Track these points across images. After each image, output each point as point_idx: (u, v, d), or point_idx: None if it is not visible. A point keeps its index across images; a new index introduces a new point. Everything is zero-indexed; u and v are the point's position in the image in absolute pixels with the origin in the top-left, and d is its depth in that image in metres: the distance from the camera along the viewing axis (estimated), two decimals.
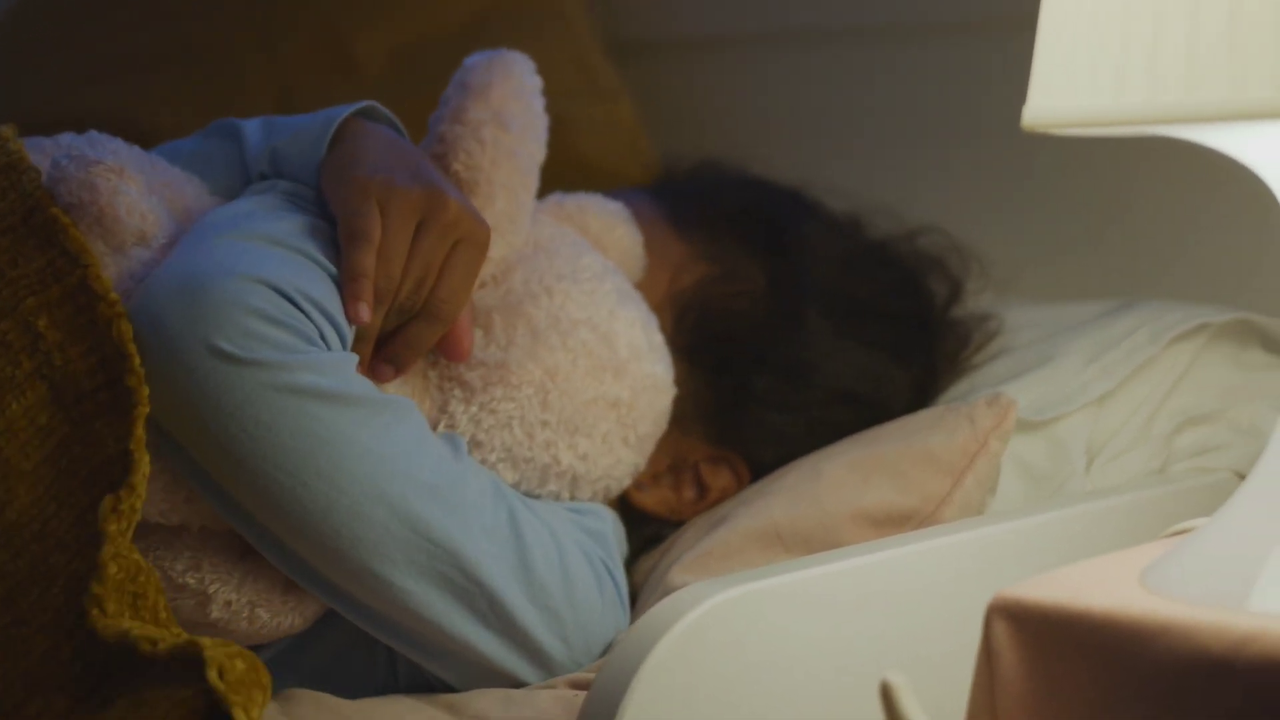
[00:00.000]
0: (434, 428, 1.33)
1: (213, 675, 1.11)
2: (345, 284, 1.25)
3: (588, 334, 1.37)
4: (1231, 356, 1.53)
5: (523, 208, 1.38)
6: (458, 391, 1.34)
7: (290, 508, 1.22)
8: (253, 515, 1.23)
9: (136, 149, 1.35)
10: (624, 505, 1.49)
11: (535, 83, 1.40)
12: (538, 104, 1.40)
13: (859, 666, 1.20)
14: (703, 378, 1.51)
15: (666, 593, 1.29)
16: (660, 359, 1.43)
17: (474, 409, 1.34)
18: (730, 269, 1.54)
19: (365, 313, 1.24)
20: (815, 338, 1.53)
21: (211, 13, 2.08)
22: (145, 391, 1.18)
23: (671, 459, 1.50)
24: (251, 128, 1.39)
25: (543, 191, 2.02)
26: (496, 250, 1.36)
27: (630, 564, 1.47)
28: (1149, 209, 1.81)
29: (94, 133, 1.35)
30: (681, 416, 1.48)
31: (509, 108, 1.37)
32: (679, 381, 1.48)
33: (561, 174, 1.99)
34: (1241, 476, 1.44)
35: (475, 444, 1.34)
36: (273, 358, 1.19)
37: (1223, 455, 1.47)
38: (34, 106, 2.07)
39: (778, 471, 1.47)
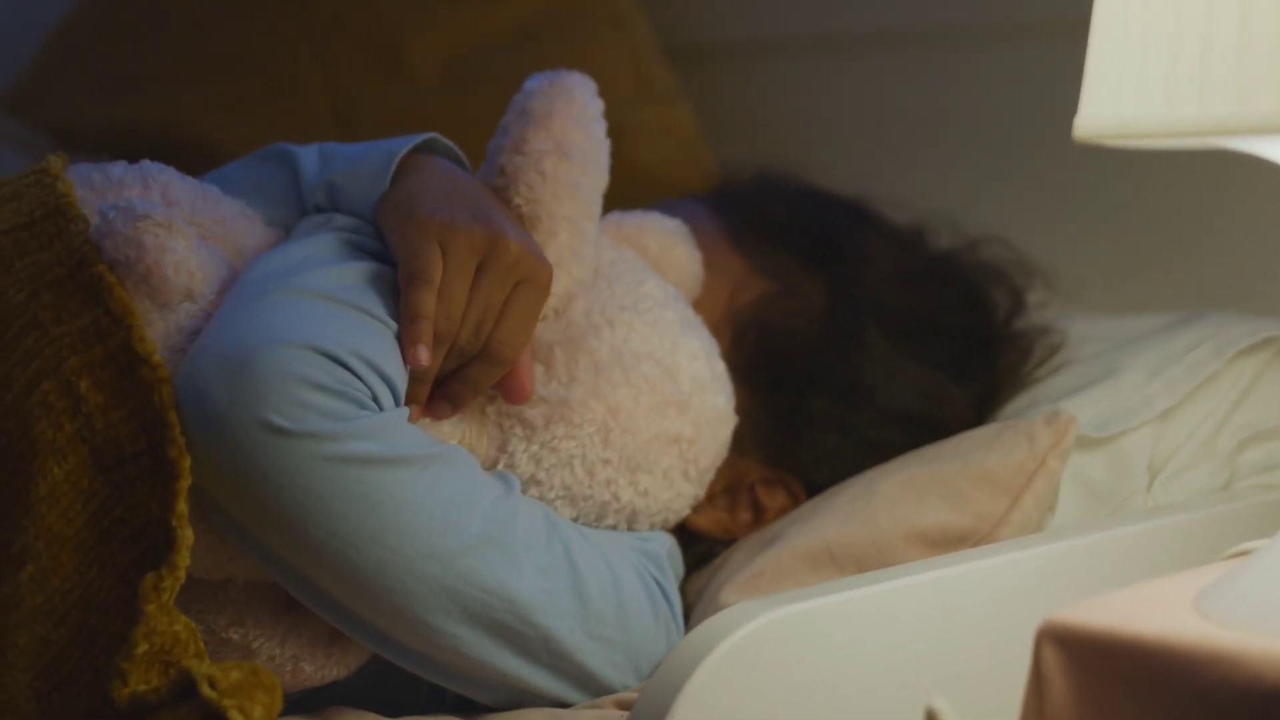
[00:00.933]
0: (492, 466, 1.32)
1: (204, 688, 1.12)
2: (405, 326, 1.23)
3: (651, 368, 1.35)
4: None
5: (586, 239, 1.35)
6: (518, 429, 1.32)
7: (343, 569, 1.20)
8: (302, 573, 1.22)
9: (190, 181, 1.33)
10: (678, 525, 1.47)
11: (597, 107, 1.37)
12: (599, 130, 1.36)
13: (908, 688, 1.18)
14: (760, 399, 1.49)
15: (717, 612, 1.27)
16: (722, 389, 1.40)
17: (535, 447, 1.32)
18: (789, 286, 1.53)
19: (425, 356, 1.23)
20: (874, 358, 1.51)
21: (263, 21, 2.08)
22: (186, 463, 1.17)
23: (728, 480, 1.48)
24: (307, 156, 1.37)
25: (603, 201, 2.02)
26: (559, 284, 1.33)
27: (683, 582, 1.45)
28: (1214, 221, 1.78)
29: (147, 163, 1.34)
30: (738, 438, 1.46)
31: (571, 136, 1.34)
32: (738, 401, 1.45)
33: (619, 181, 1.97)
34: None
35: (534, 482, 1.32)
36: (323, 428, 1.18)
37: None
38: (87, 116, 2.07)
39: (832, 489, 1.45)
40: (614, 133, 1.99)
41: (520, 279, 1.27)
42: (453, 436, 1.30)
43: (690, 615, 1.40)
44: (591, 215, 1.35)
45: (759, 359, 1.49)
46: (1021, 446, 1.37)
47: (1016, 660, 1.09)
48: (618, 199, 1.92)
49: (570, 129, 1.34)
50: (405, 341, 1.23)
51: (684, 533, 1.46)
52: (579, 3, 2.07)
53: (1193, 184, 1.77)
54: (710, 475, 1.40)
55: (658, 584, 1.34)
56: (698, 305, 1.47)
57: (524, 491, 1.31)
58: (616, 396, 1.33)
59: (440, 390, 1.28)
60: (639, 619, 1.30)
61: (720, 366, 1.41)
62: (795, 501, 1.50)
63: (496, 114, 1.99)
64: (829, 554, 1.35)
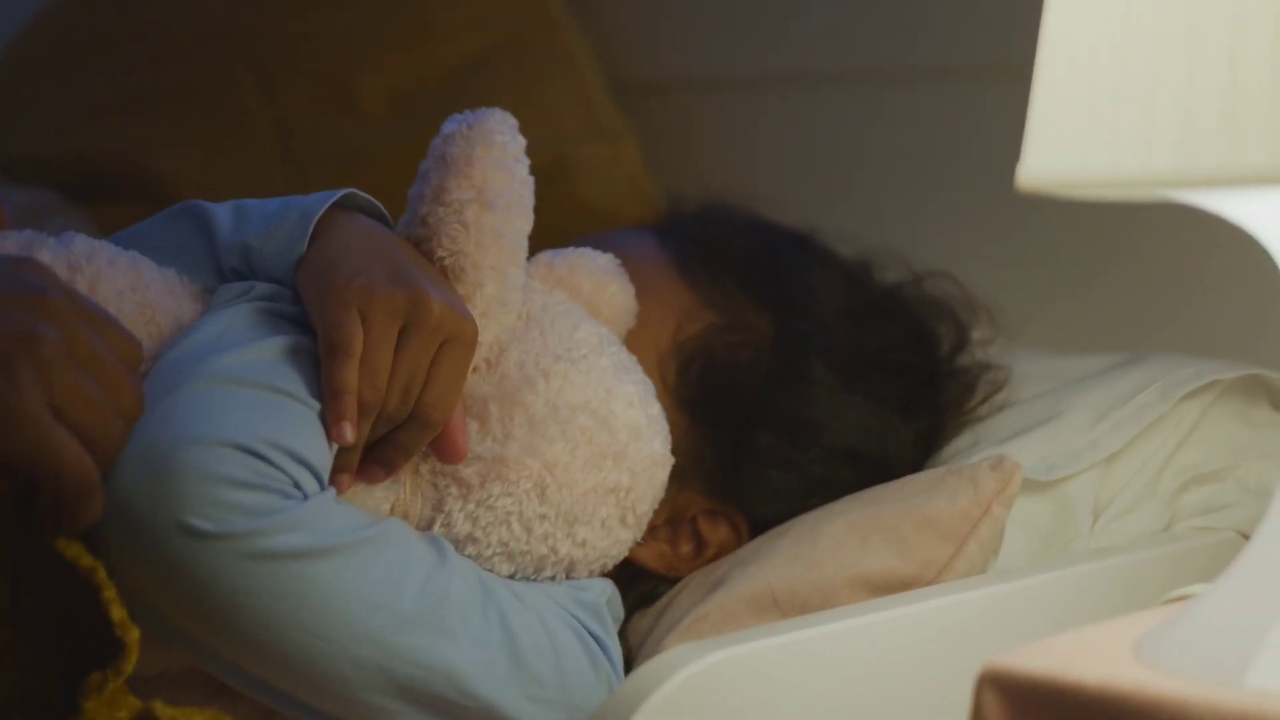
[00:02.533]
0: (428, 526, 1.30)
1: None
2: (328, 401, 1.21)
3: (587, 420, 1.33)
4: (1240, 413, 1.50)
5: (513, 287, 1.31)
6: (454, 489, 1.30)
7: (277, 659, 1.19)
8: (237, 665, 1.21)
9: (108, 248, 1.31)
10: (620, 562, 1.46)
11: (518, 145, 1.32)
12: (522, 170, 1.32)
13: None
14: (703, 432, 1.49)
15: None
16: (659, 432, 1.38)
17: (471, 506, 1.30)
18: (736, 319, 1.52)
19: (349, 433, 1.21)
20: (820, 393, 1.50)
21: (212, 53, 2.08)
22: (101, 574, 1.15)
23: (669, 513, 1.48)
24: (222, 215, 1.34)
25: (544, 234, 2.02)
26: (488, 334, 1.31)
27: (625, 623, 1.44)
28: (1155, 259, 1.79)
29: (69, 233, 1.31)
30: (680, 471, 1.45)
31: (492, 182, 1.30)
32: (679, 434, 1.45)
33: (564, 216, 1.98)
34: (1246, 537, 1.42)
35: (471, 540, 1.30)
36: (245, 527, 1.15)
37: (1229, 515, 1.45)
38: (33, 146, 2.07)
39: (776, 529, 1.44)
40: (560, 168, 2.00)
41: (445, 338, 1.25)
42: (386, 500, 1.28)
43: (632, 660, 1.40)
44: (517, 261, 1.32)
45: (703, 391, 1.49)
46: (966, 492, 1.37)
47: (959, 702, 1.10)
48: (564, 234, 1.92)
49: (491, 174, 1.30)
50: (329, 418, 1.21)
51: (626, 568, 1.46)
52: (527, 38, 2.07)
53: (1133, 224, 1.78)
54: (648, 518, 1.39)
55: (595, 638, 1.32)
56: (642, 336, 1.46)
57: (460, 550, 1.29)
58: (553, 451, 1.31)
59: (371, 455, 1.26)
60: (579, 677, 1.28)
61: (656, 409, 1.39)
62: (738, 534, 1.49)
63: None
64: (773, 599, 1.35)
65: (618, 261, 1.44)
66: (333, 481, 1.23)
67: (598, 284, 1.43)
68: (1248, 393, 1.51)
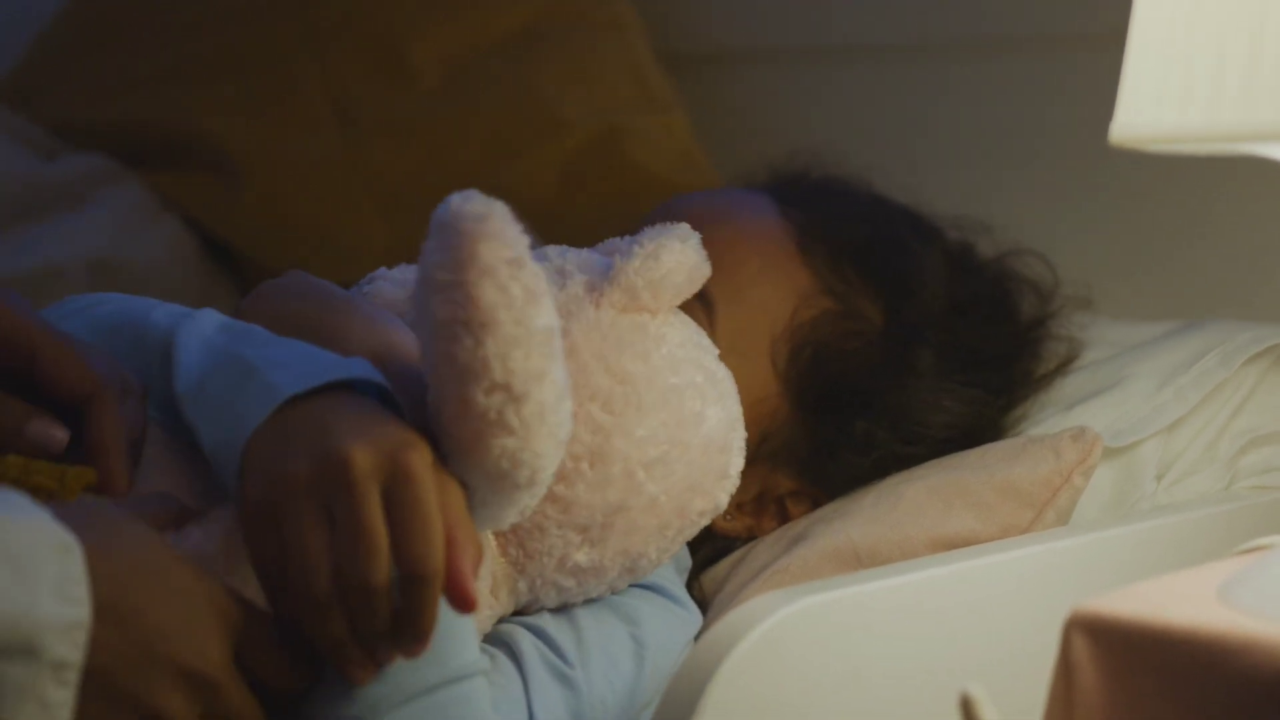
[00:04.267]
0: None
1: None
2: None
3: (683, 496, 1.28)
4: None
5: (553, 391, 1.11)
6: (551, 592, 1.28)
7: None
8: None
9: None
10: (704, 529, 1.49)
11: (516, 250, 1.08)
12: (522, 281, 1.08)
13: (930, 680, 1.20)
14: (803, 418, 1.49)
15: None
16: (740, 451, 1.33)
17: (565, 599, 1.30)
18: (850, 307, 1.51)
19: (361, 675, 1.11)
20: (923, 386, 1.50)
21: (263, 20, 2.08)
22: None
23: (758, 490, 1.49)
24: (187, 348, 1.20)
25: (598, 202, 2.03)
26: (542, 445, 1.12)
27: (700, 572, 1.47)
28: (1215, 227, 1.81)
29: None
30: (775, 452, 1.47)
31: (492, 309, 1.08)
32: (781, 419, 1.47)
33: (616, 185, 2.00)
34: None
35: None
36: None
37: None
38: (85, 112, 2.08)
39: (858, 491, 1.47)
40: (612, 137, 2.02)
41: (386, 483, 1.09)
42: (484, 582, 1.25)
43: (709, 609, 1.42)
44: (546, 356, 1.11)
45: (811, 378, 1.48)
46: (1048, 461, 1.39)
47: (1037, 649, 1.12)
48: (616, 204, 1.95)
49: (486, 293, 1.08)
50: (338, 664, 1.11)
51: (706, 530, 1.48)
52: (578, 8, 2.08)
53: (1192, 190, 1.80)
54: None
55: (671, 597, 1.34)
56: (759, 317, 1.47)
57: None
58: (646, 539, 1.28)
59: (404, 630, 1.10)
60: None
61: (739, 432, 1.32)
62: None
63: (495, 117, 2.02)
64: (855, 554, 1.37)
65: (697, 254, 1.29)
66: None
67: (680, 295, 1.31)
68: None
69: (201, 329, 1.21)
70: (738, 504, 1.49)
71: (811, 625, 1.16)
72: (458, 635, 1.16)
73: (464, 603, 1.09)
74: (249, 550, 1.10)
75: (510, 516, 1.17)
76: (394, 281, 1.34)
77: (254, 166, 2.01)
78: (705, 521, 1.31)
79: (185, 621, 1.08)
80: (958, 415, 1.50)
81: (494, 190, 2.01)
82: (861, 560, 1.36)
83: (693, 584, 1.45)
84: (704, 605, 1.43)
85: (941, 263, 1.56)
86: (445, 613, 1.12)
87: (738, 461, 1.31)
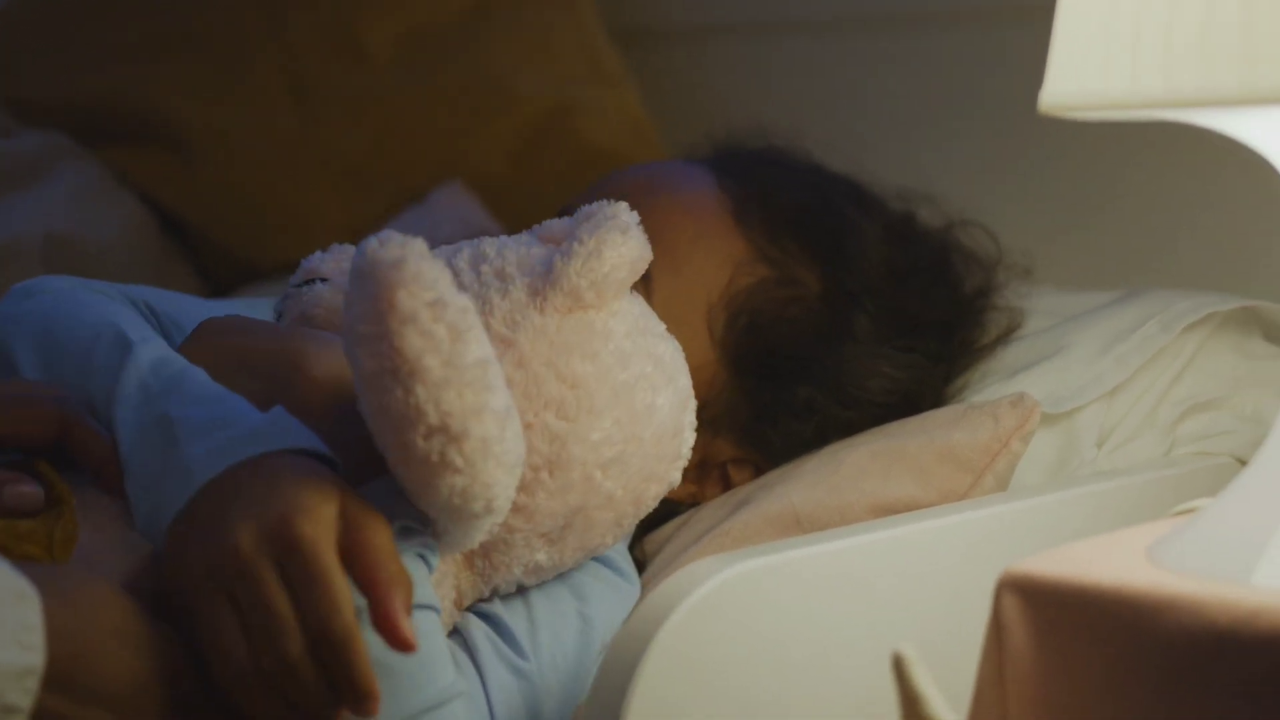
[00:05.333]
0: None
1: None
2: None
3: (641, 485, 1.29)
4: (1236, 345, 1.54)
5: (500, 422, 1.11)
6: (511, 588, 1.29)
7: None
8: None
9: None
10: None
11: (437, 291, 1.08)
12: (446, 321, 1.08)
13: (869, 642, 1.22)
14: (743, 385, 1.50)
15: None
16: (689, 444, 1.33)
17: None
18: (787, 274, 1.52)
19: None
20: (862, 351, 1.52)
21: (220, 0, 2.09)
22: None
23: (700, 458, 1.51)
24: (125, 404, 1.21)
25: (548, 175, 2.05)
26: (491, 474, 1.12)
27: (643, 535, 1.48)
28: (1151, 194, 1.83)
29: None
30: (716, 419, 1.49)
31: (419, 356, 1.09)
32: (719, 386, 1.49)
33: (567, 158, 2.01)
34: (1243, 462, 1.46)
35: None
36: None
37: (1225, 441, 1.49)
38: (44, 89, 2.08)
39: (801, 458, 1.48)
40: (563, 110, 2.03)
41: (278, 558, 1.10)
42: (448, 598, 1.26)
43: (647, 570, 1.44)
44: (484, 388, 1.11)
45: (749, 346, 1.50)
46: (987, 427, 1.40)
47: (974, 612, 1.13)
48: (566, 177, 1.96)
49: (411, 341, 1.08)
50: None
51: None
52: None
53: (1128, 158, 1.81)
54: None
55: (614, 568, 1.36)
56: (695, 284, 1.49)
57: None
58: (604, 535, 1.30)
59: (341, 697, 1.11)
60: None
61: (690, 413, 1.32)
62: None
63: (449, 92, 2.03)
64: (795, 519, 1.38)
65: (639, 243, 1.26)
66: None
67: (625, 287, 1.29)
68: (1243, 324, 1.55)
69: (139, 372, 1.21)
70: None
71: (750, 590, 1.18)
72: (432, 661, 1.17)
73: (400, 644, 1.10)
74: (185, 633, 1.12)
75: (477, 539, 1.18)
76: (333, 285, 1.32)
77: (210, 144, 2.02)
78: (659, 500, 1.32)
79: (135, 676, 1.10)
80: (897, 381, 1.52)
81: (448, 163, 2.05)
82: (802, 524, 1.38)
83: (634, 547, 1.47)
84: (644, 567, 1.44)
85: (880, 230, 1.57)
86: (425, 636, 1.15)
87: (689, 438, 1.32)
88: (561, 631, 1.29)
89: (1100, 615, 1.04)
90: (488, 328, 1.21)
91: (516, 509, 1.23)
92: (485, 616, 1.28)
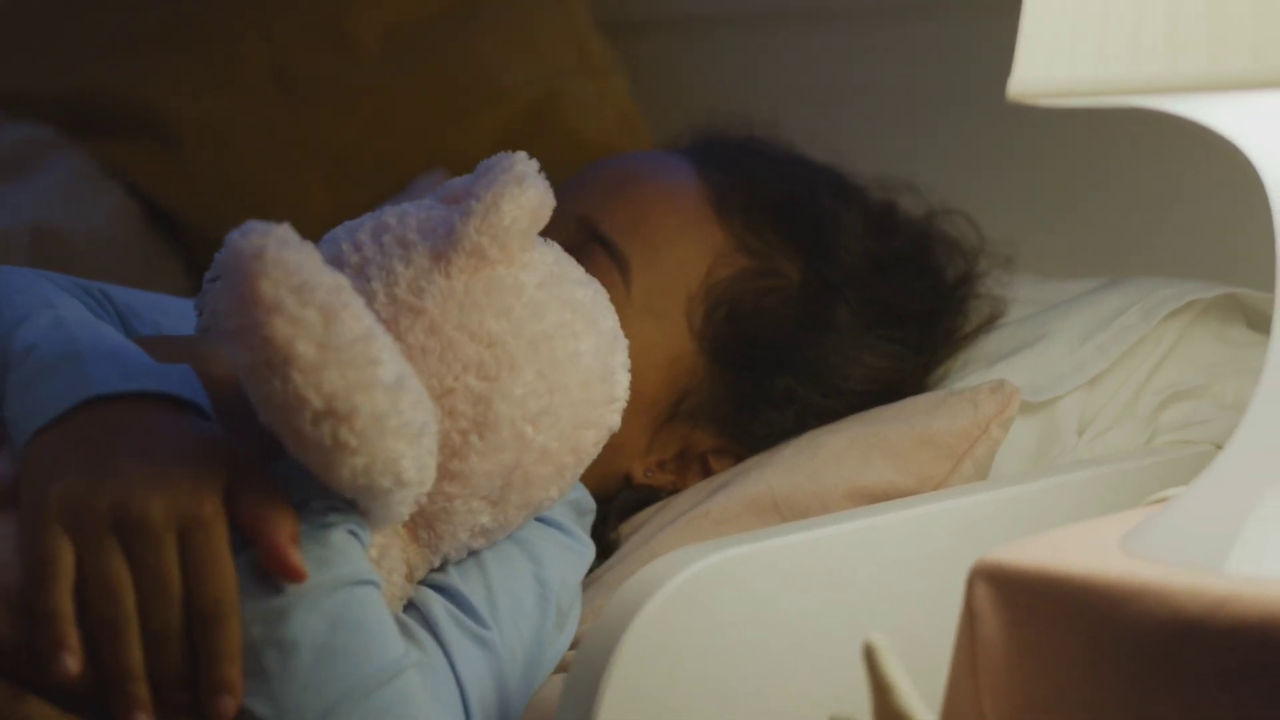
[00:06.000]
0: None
1: None
2: (40, 630, 1.11)
3: (574, 434, 1.26)
4: (1216, 333, 1.54)
5: (391, 393, 1.11)
6: (462, 554, 1.28)
7: None
8: None
9: None
10: (627, 482, 1.51)
11: (302, 274, 1.08)
12: (315, 304, 1.08)
13: (843, 632, 1.22)
14: (722, 375, 1.50)
15: (653, 556, 1.31)
16: (623, 385, 1.30)
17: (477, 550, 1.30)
18: (767, 265, 1.52)
19: (70, 663, 1.10)
20: (843, 341, 1.51)
21: None
22: None
23: (681, 447, 1.51)
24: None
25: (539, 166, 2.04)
26: (397, 444, 1.12)
27: (620, 519, 1.48)
28: (1133, 183, 1.83)
29: None
30: (695, 410, 1.49)
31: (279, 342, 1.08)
32: (699, 376, 1.48)
33: (555, 149, 2.01)
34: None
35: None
36: None
37: (1206, 430, 1.49)
38: (31, 81, 2.08)
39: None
40: (551, 102, 2.03)
41: (181, 530, 1.11)
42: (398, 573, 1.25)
43: (619, 550, 1.44)
44: (365, 362, 1.10)
45: (728, 337, 1.50)
46: (966, 413, 1.40)
47: (950, 601, 1.13)
48: (554, 167, 1.95)
49: (279, 328, 1.08)
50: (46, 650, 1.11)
51: (627, 485, 1.50)
52: None
53: (1109, 147, 1.81)
54: None
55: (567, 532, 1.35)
56: (674, 275, 1.48)
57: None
58: (544, 488, 1.27)
59: (205, 680, 1.12)
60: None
61: (620, 354, 1.29)
62: None
63: (436, 83, 2.03)
64: (773, 502, 1.38)
65: (537, 190, 1.23)
66: None
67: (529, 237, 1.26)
68: (1224, 312, 1.55)
69: (56, 313, 1.23)
70: (659, 461, 1.51)
71: (726, 579, 1.18)
72: (375, 637, 1.16)
73: (289, 572, 1.12)
74: (26, 543, 1.11)
75: (404, 511, 1.17)
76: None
77: (198, 135, 2.02)
78: (601, 446, 1.29)
79: None
80: (877, 370, 1.51)
81: (436, 154, 2.05)
82: (780, 509, 1.37)
83: (609, 529, 1.47)
84: (610, 551, 1.44)
85: (861, 220, 1.56)
86: (365, 610, 1.15)
87: (623, 379, 1.28)
88: (521, 597, 1.28)
89: (1071, 604, 1.04)
90: (394, 298, 1.20)
91: (451, 476, 1.22)
92: (442, 589, 1.27)
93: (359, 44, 2.05)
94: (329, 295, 1.08)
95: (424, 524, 1.24)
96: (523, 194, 1.20)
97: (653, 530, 1.42)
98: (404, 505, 1.16)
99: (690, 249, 1.50)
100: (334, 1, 2.07)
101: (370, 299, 1.20)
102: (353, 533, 1.18)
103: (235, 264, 1.07)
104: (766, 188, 1.55)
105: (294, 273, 1.08)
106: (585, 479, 1.34)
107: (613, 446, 1.32)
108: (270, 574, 1.12)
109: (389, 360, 1.10)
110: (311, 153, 2.02)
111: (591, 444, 1.27)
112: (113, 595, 1.10)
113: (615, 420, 1.28)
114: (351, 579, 1.15)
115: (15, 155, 1.99)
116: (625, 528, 1.47)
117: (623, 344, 1.29)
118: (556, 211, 1.40)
